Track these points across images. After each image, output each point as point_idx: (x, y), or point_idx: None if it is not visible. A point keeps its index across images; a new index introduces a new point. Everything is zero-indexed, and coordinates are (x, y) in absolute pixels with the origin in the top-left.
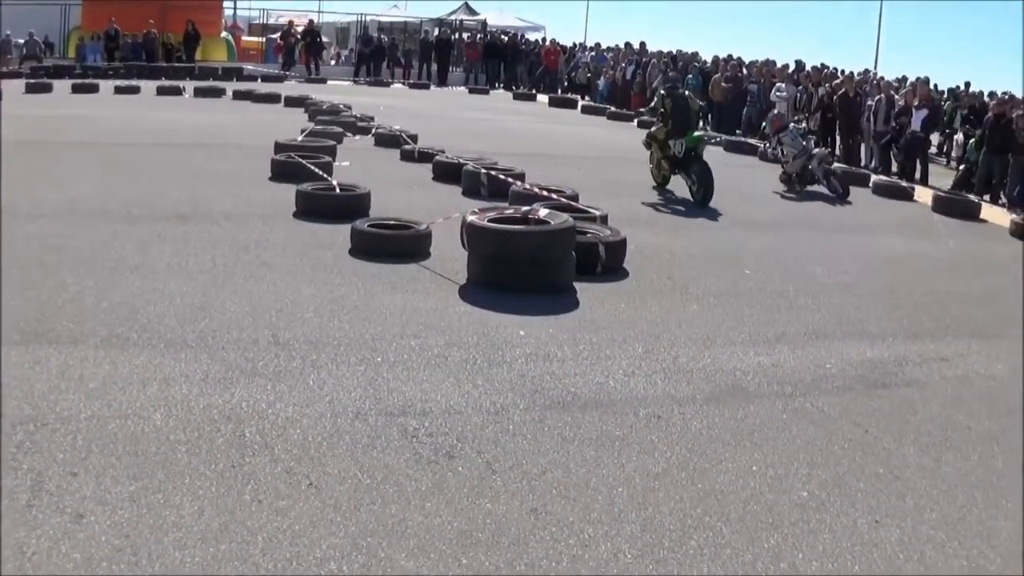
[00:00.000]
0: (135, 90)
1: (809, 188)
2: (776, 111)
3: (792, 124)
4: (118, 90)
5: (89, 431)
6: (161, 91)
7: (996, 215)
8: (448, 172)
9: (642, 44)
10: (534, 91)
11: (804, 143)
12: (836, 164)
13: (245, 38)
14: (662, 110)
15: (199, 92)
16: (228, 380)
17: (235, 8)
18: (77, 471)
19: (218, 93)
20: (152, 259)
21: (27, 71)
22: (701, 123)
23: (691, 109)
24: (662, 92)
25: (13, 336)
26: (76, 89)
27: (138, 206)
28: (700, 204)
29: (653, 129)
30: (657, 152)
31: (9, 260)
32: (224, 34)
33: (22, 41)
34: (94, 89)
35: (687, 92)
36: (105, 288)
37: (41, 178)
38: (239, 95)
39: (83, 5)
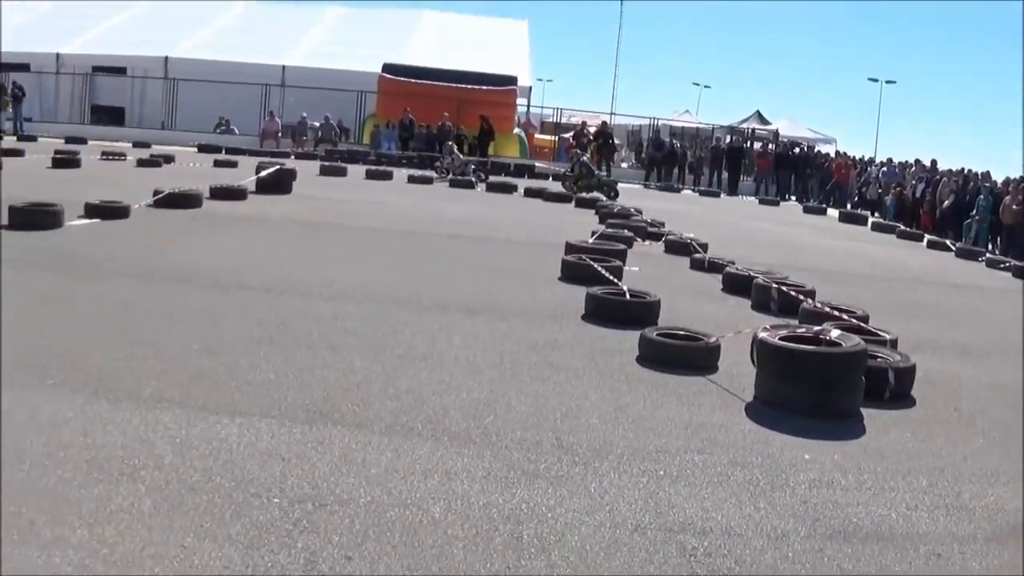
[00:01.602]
0: (427, 180)
1: (460, 177)
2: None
3: (453, 152)
4: (411, 179)
5: (367, 517)
6: (453, 183)
7: None
8: (737, 284)
9: (933, 162)
10: (824, 205)
11: (463, 160)
12: None
13: (538, 136)
14: (580, 169)
15: (491, 187)
16: (509, 480)
17: (528, 106)
18: (352, 555)
19: (510, 189)
20: (440, 350)
21: (322, 153)
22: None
23: (592, 167)
24: (575, 161)
25: (298, 414)
26: (370, 175)
27: (428, 295)
28: (614, 199)
29: (574, 178)
30: (572, 185)
31: (295, 338)
32: (517, 131)
33: (318, 124)
34: (387, 176)
35: (585, 158)
36: (392, 375)
37: (334, 260)
38: (530, 192)
39: (379, 94)
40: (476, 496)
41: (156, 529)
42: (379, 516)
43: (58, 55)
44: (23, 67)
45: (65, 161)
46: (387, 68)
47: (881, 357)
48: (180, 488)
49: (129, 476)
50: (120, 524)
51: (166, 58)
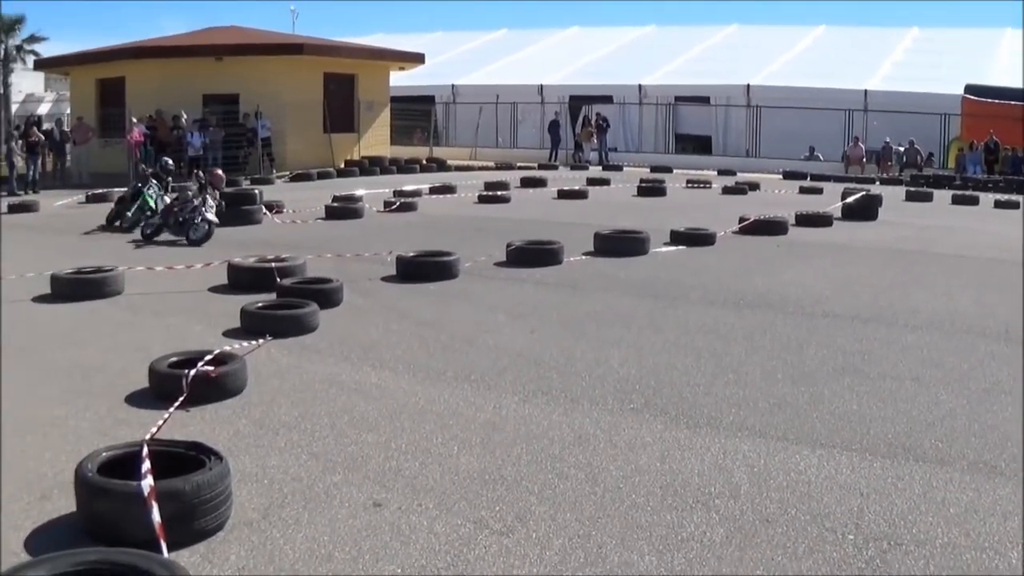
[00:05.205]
0: (1014, 204)
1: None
2: None
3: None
4: (997, 204)
5: (942, 559)
6: None
7: None
8: None
9: None
10: None
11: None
12: None
13: None
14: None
15: None
16: None
17: None
18: None
19: None
20: None
21: (907, 179)
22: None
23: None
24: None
25: (879, 447)
26: (955, 200)
27: (1014, 326)
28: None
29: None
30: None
31: (879, 369)
32: None
33: (902, 149)
34: (973, 201)
35: (165, 167)
36: (977, 410)
37: (919, 288)
38: None
39: (963, 116)
40: None
41: (726, 560)
42: (955, 559)
43: (640, 86)
44: (606, 99)
45: (650, 190)
46: (970, 89)
47: None
48: (754, 519)
49: (703, 504)
50: (690, 552)
51: (747, 86)
